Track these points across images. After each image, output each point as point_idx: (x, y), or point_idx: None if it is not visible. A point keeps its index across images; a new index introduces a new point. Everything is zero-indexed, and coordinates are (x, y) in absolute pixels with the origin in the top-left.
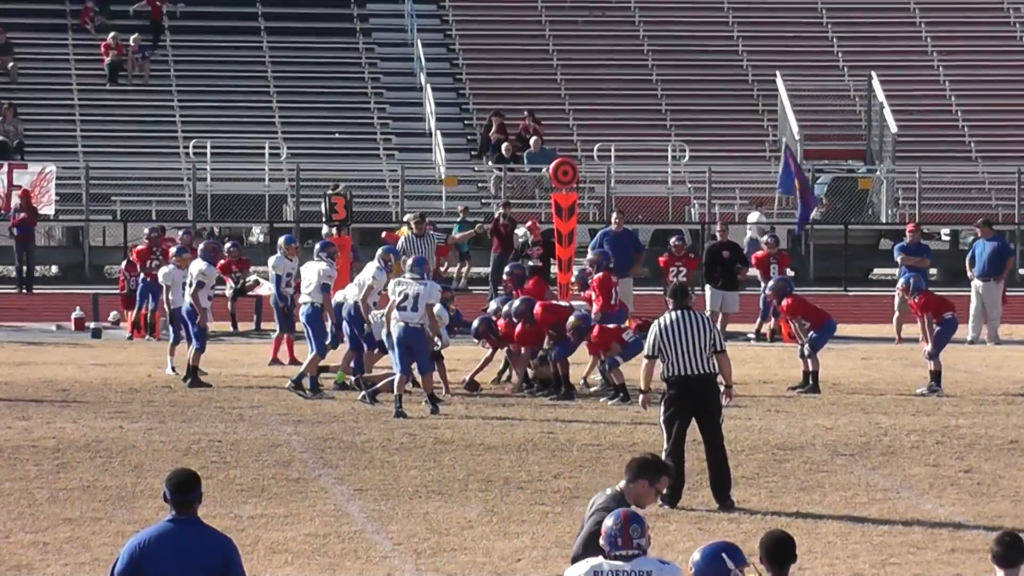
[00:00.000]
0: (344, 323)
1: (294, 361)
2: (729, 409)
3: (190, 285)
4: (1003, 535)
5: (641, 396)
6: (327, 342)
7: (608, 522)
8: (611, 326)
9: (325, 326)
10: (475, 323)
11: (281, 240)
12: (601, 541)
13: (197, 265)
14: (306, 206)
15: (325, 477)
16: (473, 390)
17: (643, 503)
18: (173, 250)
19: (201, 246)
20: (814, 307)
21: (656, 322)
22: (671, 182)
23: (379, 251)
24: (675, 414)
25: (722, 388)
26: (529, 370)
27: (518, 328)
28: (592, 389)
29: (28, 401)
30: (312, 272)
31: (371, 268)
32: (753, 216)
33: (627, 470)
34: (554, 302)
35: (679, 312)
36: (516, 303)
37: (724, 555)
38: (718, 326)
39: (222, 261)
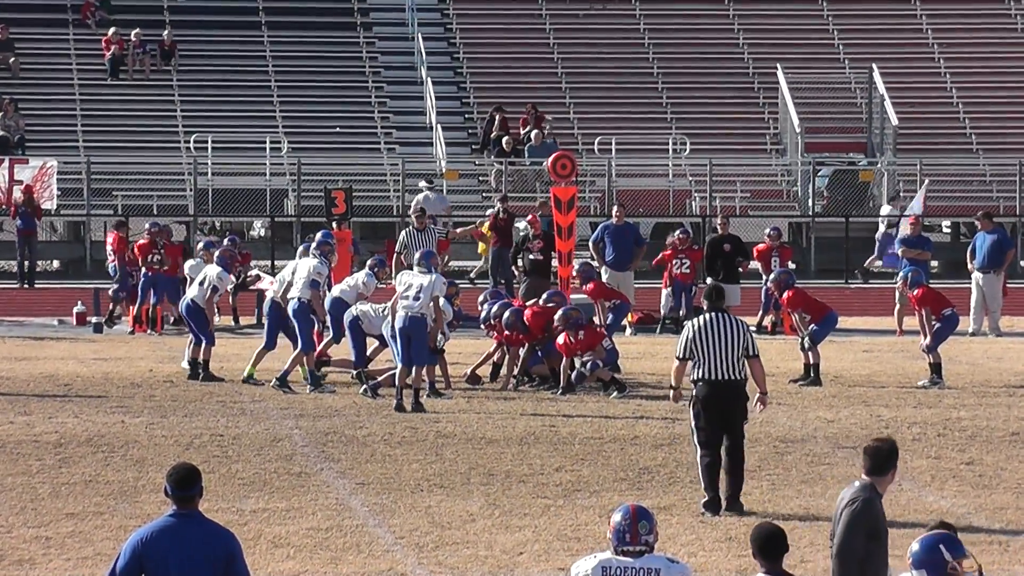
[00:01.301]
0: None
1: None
2: None
3: (200, 284)
4: (935, 527)
5: (672, 392)
6: (330, 337)
7: (616, 517)
8: (598, 330)
9: (313, 322)
10: (485, 312)
11: (319, 235)
12: (608, 535)
13: (214, 269)
14: (307, 200)
15: (327, 471)
16: (474, 383)
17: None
18: (200, 244)
19: (217, 252)
20: (815, 300)
21: (689, 323)
22: (672, 175)
23: (369, 261)
24: (703, 419)
25: (755, 395)
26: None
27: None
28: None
29: (30, 396)
30: (303, 268)
31: (362, 274)
32: (885, 209)
33: (875, 458)
34: (543, 305)
35: (713, 314)
36: (506, 315)
37: (942, 546)
38: None
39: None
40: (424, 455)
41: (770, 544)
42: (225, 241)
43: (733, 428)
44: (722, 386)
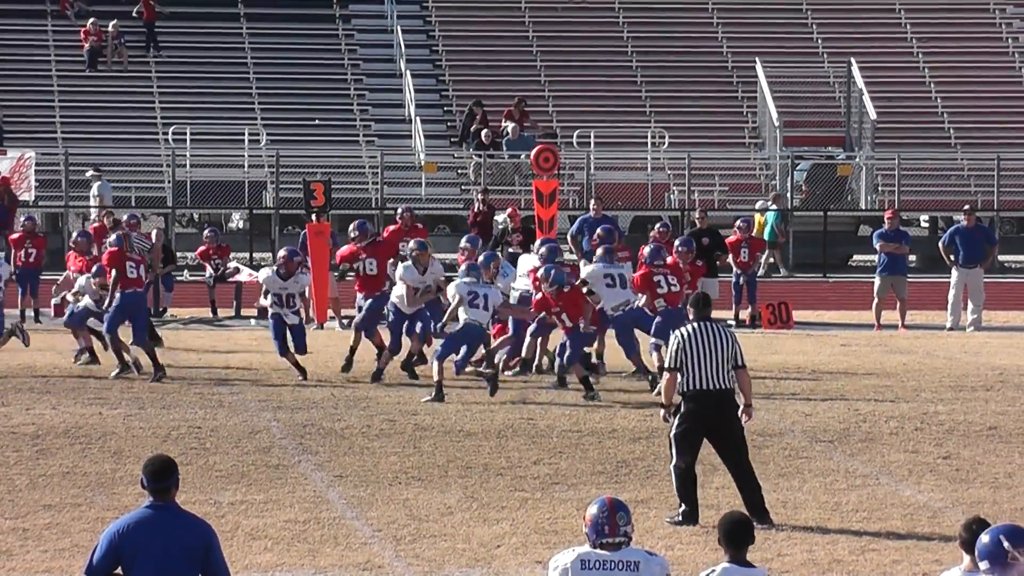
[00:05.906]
0: None
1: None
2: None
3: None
4: (970, 522)
5: (663, 411)
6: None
7: (592, 510)
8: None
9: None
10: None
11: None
12: (586, 529)
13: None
14: (286, 193)
15: (305, 463)
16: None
17: None
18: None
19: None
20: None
21: (677, 332)
22: (651, 168)
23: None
24: (689, 431)
25: (740, 406)
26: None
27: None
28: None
29: (7, 387)
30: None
31: (265, 271)
32: None
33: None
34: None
35: (700, 323)
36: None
37: (1002, 537)
38: None
39: (201, 248)
40: (402, 448)
41: (737, 532)
42: (205, 233)
43: (727, 440)
44: (713, 396)
